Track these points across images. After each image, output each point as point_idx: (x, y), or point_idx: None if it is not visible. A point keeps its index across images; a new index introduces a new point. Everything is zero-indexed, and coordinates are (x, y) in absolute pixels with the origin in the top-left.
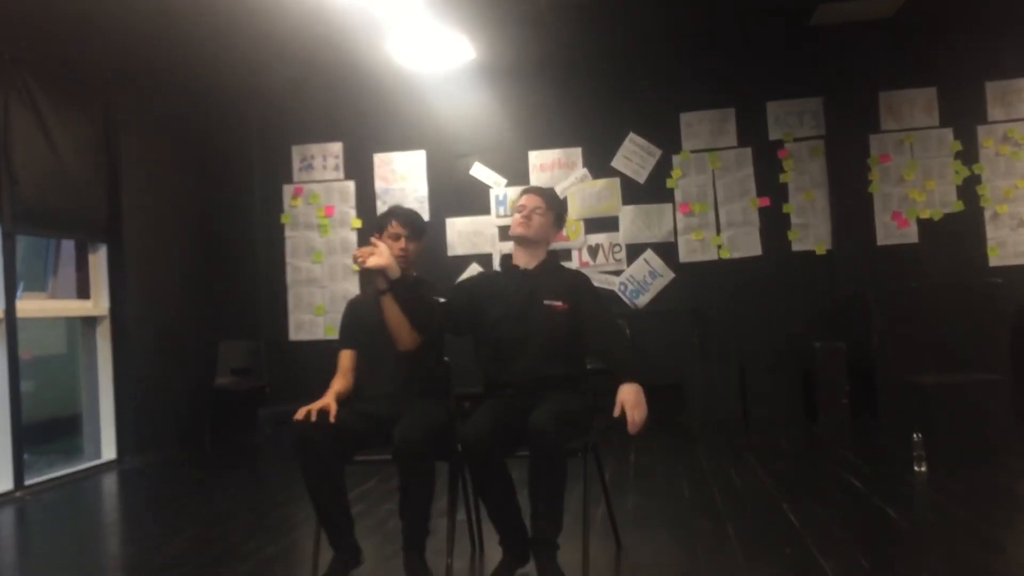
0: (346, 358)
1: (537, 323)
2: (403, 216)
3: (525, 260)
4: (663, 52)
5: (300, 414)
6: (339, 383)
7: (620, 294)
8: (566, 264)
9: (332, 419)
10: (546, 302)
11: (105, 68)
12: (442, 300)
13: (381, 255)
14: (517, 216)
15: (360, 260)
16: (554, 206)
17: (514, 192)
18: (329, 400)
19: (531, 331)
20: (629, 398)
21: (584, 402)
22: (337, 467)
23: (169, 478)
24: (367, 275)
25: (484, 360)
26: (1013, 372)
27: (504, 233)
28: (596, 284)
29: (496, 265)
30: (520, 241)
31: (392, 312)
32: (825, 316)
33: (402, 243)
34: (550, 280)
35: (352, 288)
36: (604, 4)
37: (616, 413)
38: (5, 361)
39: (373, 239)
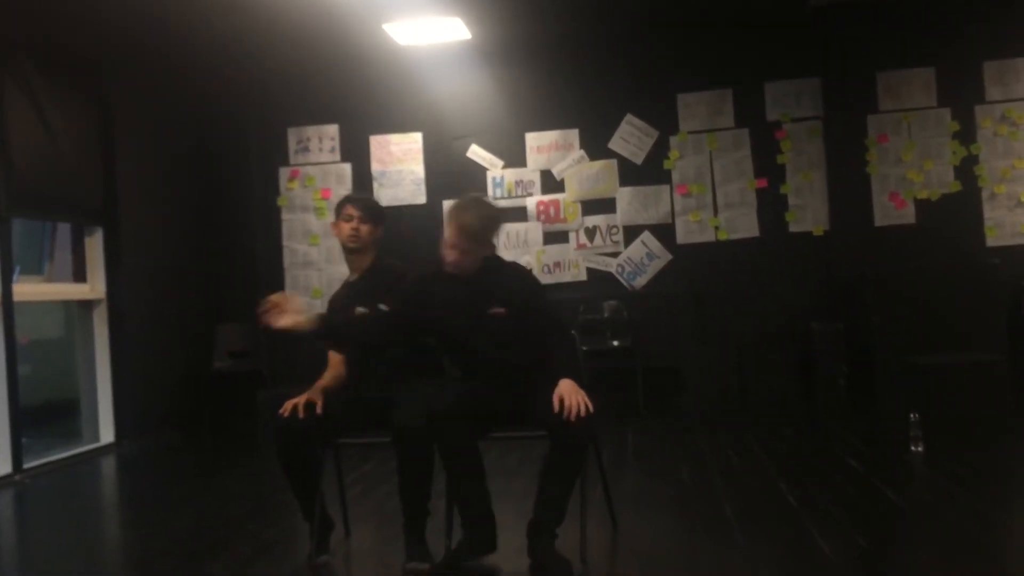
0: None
1: (485, 334)
2: (357, 201)
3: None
4: (660, 33)
5: (286, 409)
6: (330, 373)
7: (617, 276)
8: (560, 246)
9: (319, 411)
10: (490, 312)
11: (101, 52)
12: (384, 308)
13: (285, 315)
14: (446, 248)
15: (265, 319)
16: (474, 220)
17: (512, 174)
18: (314, 394)
19: (481, 342)
20: (565, 388)
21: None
22: (315, 460)
23: (167, 461)
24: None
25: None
26: (1010, 352)
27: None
28: (593, 266)
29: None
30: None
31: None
32: (823, 297)
33: (354, 223)
34: (491, 286)
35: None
36: None
37: (555, 408)
38: (2, 345)
39: (281, 294)
